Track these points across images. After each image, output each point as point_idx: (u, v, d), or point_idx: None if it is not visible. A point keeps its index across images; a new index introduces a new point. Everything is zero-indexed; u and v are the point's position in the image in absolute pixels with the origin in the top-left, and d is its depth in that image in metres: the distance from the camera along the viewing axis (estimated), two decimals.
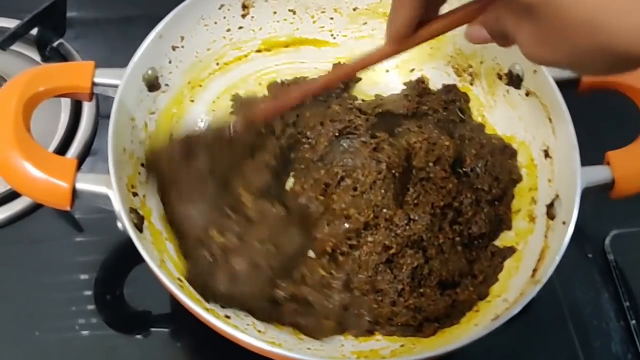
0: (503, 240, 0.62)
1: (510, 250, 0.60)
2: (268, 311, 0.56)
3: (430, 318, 0.57)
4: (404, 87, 0.70)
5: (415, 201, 0.61)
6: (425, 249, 0.59)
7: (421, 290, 0.58)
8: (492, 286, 0.58)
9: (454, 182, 0.62)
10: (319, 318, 0.56)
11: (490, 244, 0.61)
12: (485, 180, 0.63)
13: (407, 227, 0.59)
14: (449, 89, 0.68)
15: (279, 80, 0.69)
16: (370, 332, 0.57)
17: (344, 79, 0.66)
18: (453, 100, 0.68)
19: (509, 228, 0.62)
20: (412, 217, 0.60)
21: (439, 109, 0.67)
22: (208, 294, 0.55)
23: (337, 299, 0.57)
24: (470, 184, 0.63)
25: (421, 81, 0.69)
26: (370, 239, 0.59)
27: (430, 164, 0.62)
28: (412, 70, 0.70)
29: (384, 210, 0.60)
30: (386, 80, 0.71)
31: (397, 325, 0.57)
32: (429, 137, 0.63)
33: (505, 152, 0.64)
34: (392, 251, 0.58)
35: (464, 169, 0.64)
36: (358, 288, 0.58)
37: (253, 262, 0.55)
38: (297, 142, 0.65)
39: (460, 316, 0.57)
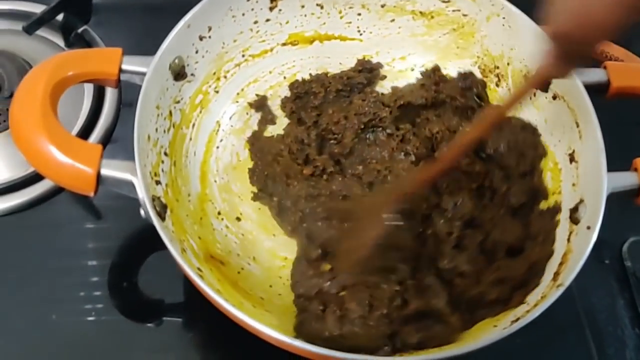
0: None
1: (555, 209, 0.60)
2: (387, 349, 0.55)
3: (516, 286, 0.57)
4: (420, 77, 0.70)
5: (449, 189, 0.62)
6: (482, 226, 0.61)
7: (495, 264, 0.59)
8: (554, 244, 0.58)
9: (480, 164, 0.63)
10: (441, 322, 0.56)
11: (538, 206, 0.62)
12: (511, 157, 0.64)
13: (456, 212, 0.60)
14: (466, 76, 0.69)
15: (299, 78, 0.70)
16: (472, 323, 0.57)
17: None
18: (470, 87, 0.68)
19: (546, 197, 0.62)
20: (456, 202, 0.61)
21: (456, 96, 0.67)
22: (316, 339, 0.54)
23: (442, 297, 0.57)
24: (497, 163, 0.64)
25: (436, 69, 0.69)
26: (429, 231, 0.60)
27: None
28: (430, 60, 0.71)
29: (430, 199, 0.61)
30: (410, 78, 0.71)
31: (488, 304, 0.57)
32: (449, 125, 0.65)
33: (527, 129, 0.64)
34: (455, 235, 0.59)
35: (487, 153, 0.64)
36: (447, 277, 0.59)
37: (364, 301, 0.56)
38: (323, 140, 0.65)
39: (540, 275, 0.56)
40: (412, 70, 0.71)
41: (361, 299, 0.55)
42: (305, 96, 0.68)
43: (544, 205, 0.62)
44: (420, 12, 0.69)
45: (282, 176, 0.64)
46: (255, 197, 0.65)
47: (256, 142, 0.67)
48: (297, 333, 0.55)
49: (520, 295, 0.56)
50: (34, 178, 0.66)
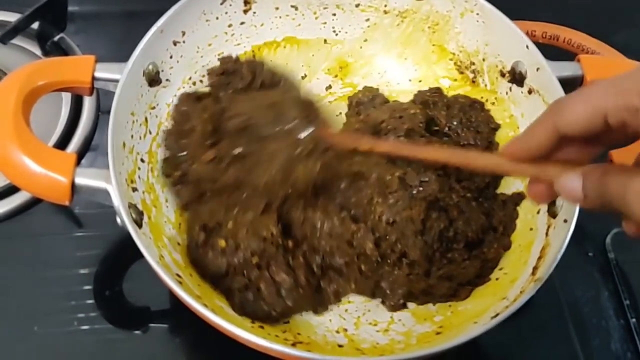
0: (508, 189, 0.64)
1: (519, 196, 0.62)
2: (315, 303, 0.58)
3: (463, 283, 0.58)
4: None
5: (415, 164, 0.62)
6: (447, 210, 0.60)
7: (449, 255, 0.59)
8: (512, 235, 0.60)
9: (437, 142, 0.63)
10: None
11: (500, 193, 0.63)
12: (468, 135, 0.65)
13: (421, 189, 0.60)
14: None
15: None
16: (404, 306, 0.58)
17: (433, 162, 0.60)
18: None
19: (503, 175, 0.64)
20: (422, 179, 0.60)
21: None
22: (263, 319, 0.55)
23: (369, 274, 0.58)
24: (456, 142, 0.65)
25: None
26: (391, 200, 0.59)
27: (403, 137, 0.62)
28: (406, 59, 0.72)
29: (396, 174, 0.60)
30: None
31: (434, 295, 0.58)
32: (395, 110, 0.64)
33: (475, 106, 0.65)
34: (419, 216, 0.59)
35: (443, 130, 0.65)
36: (389, 258, 0.59)
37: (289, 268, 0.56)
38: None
39: (490, 272, 0.58)
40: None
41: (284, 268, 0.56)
42: (231, 76, 0.65)
43: (506, 190, 0.63)
44: (395, 11, 0.69)
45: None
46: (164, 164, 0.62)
47: (187, 104, 0.64)
48: (242, 314, 0.55)
49: (467, 290, 0.57)
50: (11, 189, 0.66)
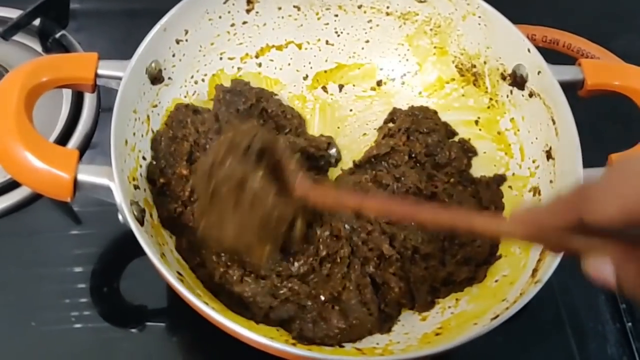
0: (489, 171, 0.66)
1: (501, 178, 0.64)
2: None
3: (480, 263, 0.59)
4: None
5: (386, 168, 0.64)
6: (437, 197, 0.62)
7: (457, 240, 0.60)
8: (503, 212, 0.62)
9: (398, 137, 0.65)
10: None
11: (481, 176, 0.65)
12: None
13: (399, 184, 0.61)
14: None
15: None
16: (432, 304, 0.59)
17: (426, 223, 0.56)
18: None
19: (476, 154, 0.67)
20: (396, 175, 0.62)
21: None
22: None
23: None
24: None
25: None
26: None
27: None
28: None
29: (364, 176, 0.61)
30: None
31: (457, 282, 0.59)
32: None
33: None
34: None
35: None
36: (404, 255, 0.59)
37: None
38: None
39: (497, 249, 0.60)
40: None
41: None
42: (237, 94, 0.66)
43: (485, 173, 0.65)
44: (397, 13, 0.70)
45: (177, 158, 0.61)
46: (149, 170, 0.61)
47: (185, 114, 0.63)
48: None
49: (484, 270, 0.58)
50: (11, 185, 0.66)
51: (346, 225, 0.59)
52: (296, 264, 0.57)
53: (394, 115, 0.69)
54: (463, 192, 0.63)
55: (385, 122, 0.69)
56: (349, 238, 0.59)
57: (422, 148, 0.65)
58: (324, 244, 0.58)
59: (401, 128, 0.67)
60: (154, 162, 0.61)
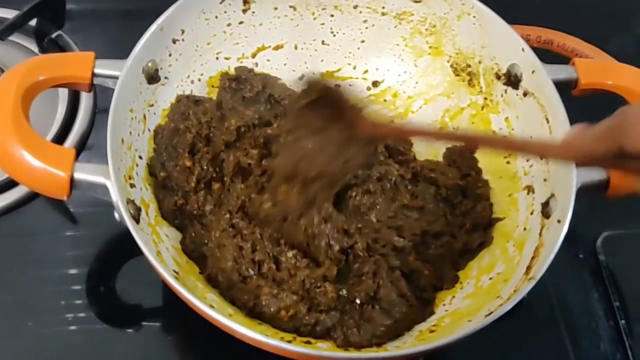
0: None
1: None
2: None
3: (486, 226, 0.62)
4: None
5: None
6: (422, 173, 0.64)
7: (457, 210, 0.63)
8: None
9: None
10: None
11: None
12: None
13: (354, 177, 0.62)
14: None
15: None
16: (456, 278, 0.61)
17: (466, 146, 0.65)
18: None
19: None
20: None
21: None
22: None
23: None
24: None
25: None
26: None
27: None
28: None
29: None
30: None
31: (472, 250, 0.61)
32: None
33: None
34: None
35: None
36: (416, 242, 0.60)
37: None
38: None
39: (491, 211, 0.63)
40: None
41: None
42: (242, 82, 0.67)
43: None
44: (392, 13, 0.70)
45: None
46: (151, 162, 0.62)
47: (186, 106, 0.64)
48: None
49: (490, 232, 0.61)
50: (7, 185, 0.66)
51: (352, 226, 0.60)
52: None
53: None
54: (440, 164, 0.66)
55: None
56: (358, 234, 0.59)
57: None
58: (334, 240, 0.58)
59: None
60: (155, 156, 0.61)
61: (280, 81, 0.69)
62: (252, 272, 0.56)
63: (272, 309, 0.54)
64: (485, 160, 0.66)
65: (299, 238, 0.57)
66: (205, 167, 0.61)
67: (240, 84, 0.67)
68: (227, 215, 0.59)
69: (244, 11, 0.68)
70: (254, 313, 0.55)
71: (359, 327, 0.55)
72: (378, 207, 0.61)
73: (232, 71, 0.69)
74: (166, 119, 0.63)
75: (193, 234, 0.60)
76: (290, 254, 0.57)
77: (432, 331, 0.55)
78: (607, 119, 0.42)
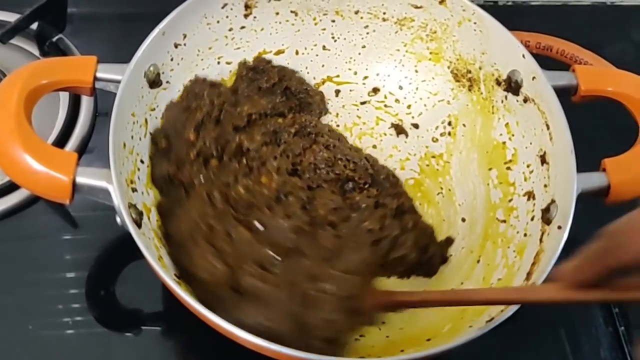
0: None
1: None
2: None
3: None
4: None
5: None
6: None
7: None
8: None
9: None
10: None
11: None
12: None
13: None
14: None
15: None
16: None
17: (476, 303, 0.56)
18: None
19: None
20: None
21: None
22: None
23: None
24: None
25: None
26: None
27: None
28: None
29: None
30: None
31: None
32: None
33: None
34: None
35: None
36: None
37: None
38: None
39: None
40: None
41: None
42: (260, 72, 0.68)
43: None
44: (393, 19, 0.70)
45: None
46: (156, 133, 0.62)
47: (201, 87, 0.64)
48: None
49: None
50: (8, 188, 0.66)
51: None
52: None
53: None
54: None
55: None
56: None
57: None
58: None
59: None
60: (161, 129, 0.61)
61: (297, 74, 0.70)
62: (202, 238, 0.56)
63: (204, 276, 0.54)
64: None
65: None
66: (207, 144, 0.61)
67: (257, 74, 0.68)
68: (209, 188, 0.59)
69: (246, 16, 0.68)
70: (189, 277, 0.55)
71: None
72: None
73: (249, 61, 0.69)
74: (179, 98, 0.64)
75: (174, 199, 0.59)
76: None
77: (431, 338, 0.56)
78: (593, 244, 0.40)
